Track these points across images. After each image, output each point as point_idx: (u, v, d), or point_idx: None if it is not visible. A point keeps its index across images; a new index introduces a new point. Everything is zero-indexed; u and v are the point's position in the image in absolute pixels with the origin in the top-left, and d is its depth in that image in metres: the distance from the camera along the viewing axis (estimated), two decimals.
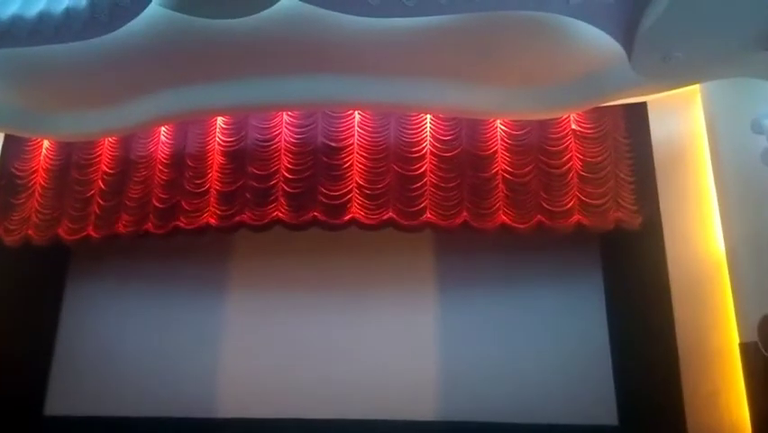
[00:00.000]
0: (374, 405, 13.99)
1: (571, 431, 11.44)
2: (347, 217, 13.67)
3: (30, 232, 15.04)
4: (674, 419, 12.07)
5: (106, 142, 15.46)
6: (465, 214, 13.47)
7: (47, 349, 15.93)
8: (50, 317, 16.17)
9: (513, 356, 14.31)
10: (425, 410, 14.11)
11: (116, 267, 16.37)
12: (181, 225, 14.23)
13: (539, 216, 13.40)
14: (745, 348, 11.46)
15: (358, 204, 13.86)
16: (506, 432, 12.36)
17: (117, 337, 15.90)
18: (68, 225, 15.05)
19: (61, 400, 15.48)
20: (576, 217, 13.27)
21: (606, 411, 13.26)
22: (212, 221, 14.09)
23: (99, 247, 15.21)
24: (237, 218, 14.00)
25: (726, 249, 12.35)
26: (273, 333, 15.30)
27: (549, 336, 14.31)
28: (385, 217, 13.65)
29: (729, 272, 12.16)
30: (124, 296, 16.22)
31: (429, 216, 13.54)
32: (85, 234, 14.80)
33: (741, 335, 11.69)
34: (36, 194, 15.55)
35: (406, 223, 13.65)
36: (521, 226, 13.41)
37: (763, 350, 10.90)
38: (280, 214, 13.92)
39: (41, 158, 15.86)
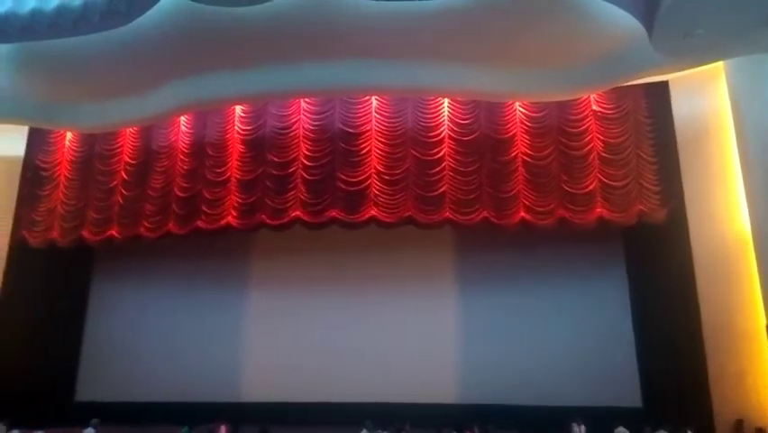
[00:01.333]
0: (396, 390, 14.17)
1: (595, 413, 11.41)
2: (367, 215, 13.74)
3: (54, 234, 15.40)
4: (699, 399, 11.98)
5: (128, 132, 15.69)
6: (485, 212, 13.42)
7: (76, 341, 16.42)
8: (78, 311, 16.62)
9: (536, 342, 14.32)
10: (448, 394, 14.25)
11: (139, 262, 16.65)
12: (201, 225, 14.43)
13: (561, 206, 13.26)
14: None
15: (377, 190, 13.89)
16: (532, 414, 12.32)
17: (142, 329, 16.33)
18: (93, 215, 15.33)
19: (90, 387, 16.00)
20: (598, 200, 13.18)
21: (630, 393, 13.23)
22: (232, 220, 14.26)
23: (123, 243, 15.43)
24: (258, 217, 14.16)
25: (751, 228, 12.12)
26: (296, 324, 15.51)
27: (572, 319, 14.29)
28: (405, 215, 13.67)
29: (755, 252, 11.93)
30: (149, 289, 16.59)
31: (448, 213, 13.51)
32: (110, 230, 15.13)
33: (767, 315, 11.51)
34: (61, 185, 15.88)
35: (425, 220, 13.68)
36: (542, 216, 13.32)
37: None
38: (300, 213, 14.03)
39: (65, 150, 16.16)
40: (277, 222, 14.20)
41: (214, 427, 11.30)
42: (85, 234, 15.32)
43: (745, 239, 12.22)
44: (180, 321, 16.22)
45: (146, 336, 16.22)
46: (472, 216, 13.52)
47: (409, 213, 13.70)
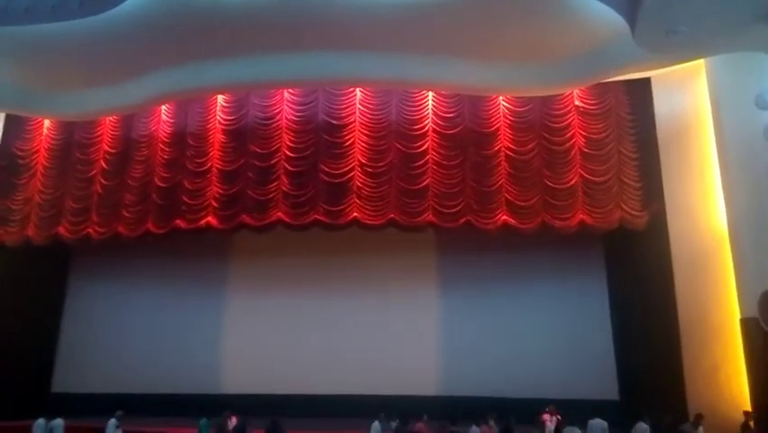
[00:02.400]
0: (376, 383, 14.29)
1: (573, 405, 11.54)
2: (349, 208, 13.63)
3: (30, 231, 15.02)
4: (674, 393, 12.19)
5: (107, 121, 15.41)
6: (468, 216, 13.39)
7: (53, 334, 16.35)
8: (55, 306, 16.53)
9: (516, 337, 14.51)
10: (428, 387, 14.41)
11: (117, 258, 16.44)
12: (181, 224, 14.21)
13: (543, 201, 13.35)
14: (746, 324, 11.51)
15: (360, 182, 13.85)
16: (511, 406, 12.42)
17: (121, 321, 16.20)
18: (71, 205, 15.05)
19: (67, 378, 15.91)
20: (579, 196, 13.28)
21: (607, 387, 13.47)
22: (212, 216, 14.06)
23: (101, 240, 15.08)
24: (239, 218, 13.98)
25: (728, 225, 12.33)
26: (277, 317, 15.53)
27: (551, 315, 14.47)
28: (388, 217, 13.59)
29: (731, 248, 12.15)
30: (127, 284, 16.44)
31: (431, 216, 13.46)
32: (88, 221, 14.84)
33: (742, 310, 11.73)
34: (38, 174, 15.55)
35: (408, 222, 13.63)
36: (524, 211, 13.41)
37: (764, 325, 10.94)
38: (282, 215, 13.87)
39: (43, 138, 15.81)
40: (260, 222, 14.05)
41: (225, 416, 11.24)
42: (61, 229, 14.99)
43: (722, 236, 12.42)
44: (158, 315, 16.15)
45: (124, 332, 16.11)
46: (455, 220, 13.51)
47: (392, 215, 13.63)
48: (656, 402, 11.65)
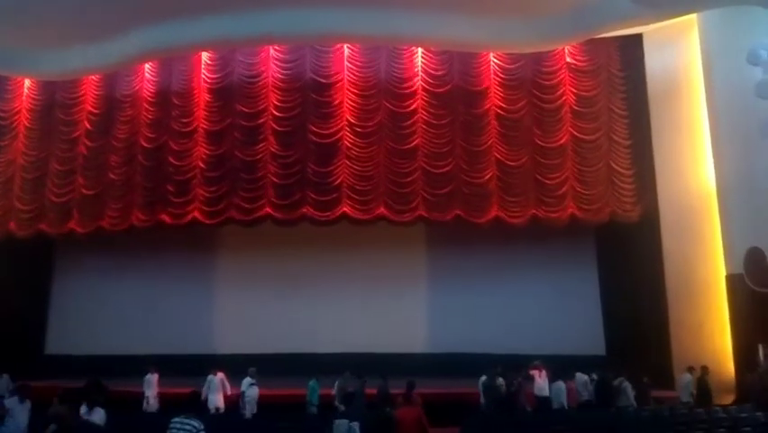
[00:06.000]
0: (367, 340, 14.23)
1: (560, 361, 11.73)
2: (339, 167, 13.47)
3: (11, 225, 14.58)
4: (659, 348, 12.44)
5: (89, 80, 15.02)
6: (458, 210, 13.31)
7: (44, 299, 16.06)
8: (46, 272, 16.20)
9: (506, 296, 14.52)
10: (417, 346, 14.47)
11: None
12: (170, 187, 13.93)
13: (532, 159, 13.31)
14: (731, 280, 11.65)
15: (349, 142, 13.69)
16: (500, 362, 12.57)
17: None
18: (56, 167, 14.79)
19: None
20: (569, 155, 13.25)
21: (594, 342, 13.64)
22: (201, 192, 13.82)
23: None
24: (227, 185, 13.71)
25: (716, 182, 12.34)
26: (267, 288, 15.21)
27: (541, 274, 14.42)
28: (377, 213, 13.43)
29: (719, 206, 12.21)
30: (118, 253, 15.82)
31: (422, 211, 13.35)
32: (75, 183, 14.52)
33: (728, 267, 11.86)
34: (21, 135, 15.20)
35: (397, 218, 13.47)
36: (513, 169, 13.38)
37: (749, 281, 11.10)
38: (271, 210, 13.62)
39: (24, 98, 15.41)
40: (248, 217, 13.85)
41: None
42: (48, 193, 14.63)
43: (710, 193, 12.47)
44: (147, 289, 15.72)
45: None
46: (444, 185, 13.41)
47: (382, 175, 13.50)
48: (642, 357, 11.87)
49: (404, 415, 6.78)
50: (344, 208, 13.58)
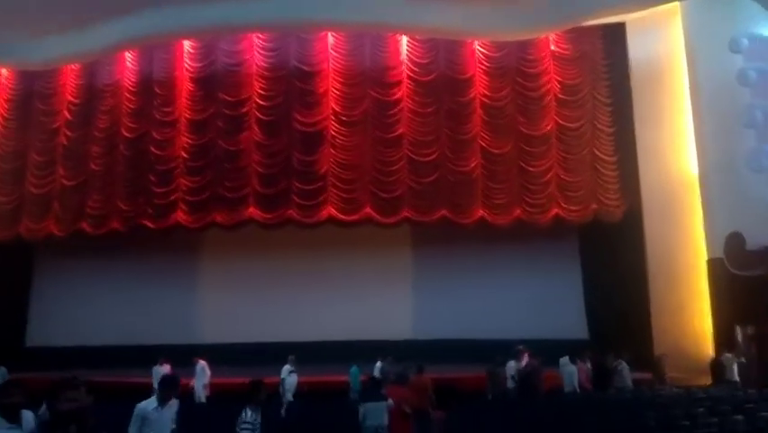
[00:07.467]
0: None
1: (545, 345, 11.83)
2: (324, 157, 13.38)
3: None
4: (640, 330, 12.63)
5: (69, 70, 14.73)
6: (443, 210, 13.34)
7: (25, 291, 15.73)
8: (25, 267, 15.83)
9: (489, 284, 14.47)
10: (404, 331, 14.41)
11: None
12: (152, 178, 13.72)
13: (516, 147, 13.41)
14: (712, 264, 11.87)
15: (334, 131, 13.62)
16: (486, 347, 12.65)
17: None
18: (36, 158, 14.53)
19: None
20: (553, 142, 13.34)
21: (577, 327, 13.74)
22: (184, 182, 13.66)
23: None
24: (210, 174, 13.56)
25: (698, 168, 12.52)
26: (250, 282, 14.92)
27: (522, 259, 14.46)
28: (362, 212, 13.42)
29: (700, 191, 12.39)
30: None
31: (407, 213, 13.38)
32: (55, 174, 14.27)
33: (709, 251, 12.06)
34: None
35: (384, 220, 13.47)
36: (498, 158, 13.45)
37: (729, 266, 11.31)
38: (256, 209, 13.56)
39: (1, 88, 15.08)
40: (233, 219, 13.75)
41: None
42: (27, 185, 14.35)
43: (692, 179, 12.65)
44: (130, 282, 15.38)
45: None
46: (430, 173, 13.41)
47: (366, 164, 13.46)
48: (624, 340, 12.02)
49: (416, 380, 8.38)
50: (329, 206, 13.47)
